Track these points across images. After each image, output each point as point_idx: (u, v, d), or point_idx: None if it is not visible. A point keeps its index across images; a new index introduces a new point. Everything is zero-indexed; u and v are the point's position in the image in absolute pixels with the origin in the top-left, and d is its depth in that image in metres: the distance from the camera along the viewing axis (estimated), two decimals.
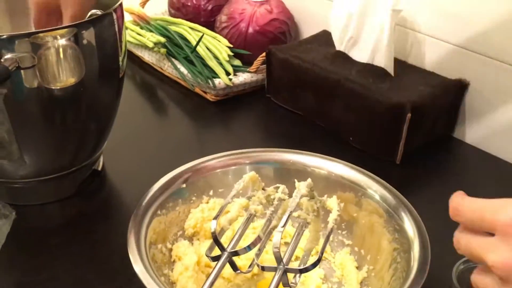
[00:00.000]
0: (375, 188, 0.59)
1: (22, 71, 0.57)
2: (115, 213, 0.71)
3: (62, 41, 0.59)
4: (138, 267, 0.50)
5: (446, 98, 0.81)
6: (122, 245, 0.63)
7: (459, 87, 0.82)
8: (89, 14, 0.65)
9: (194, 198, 0.63)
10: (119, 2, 0.65)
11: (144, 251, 0.52)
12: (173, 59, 1.00)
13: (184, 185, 0.62)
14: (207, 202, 0.63)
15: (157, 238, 0.57)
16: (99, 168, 0.76)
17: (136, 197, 0.71)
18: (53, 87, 0.61)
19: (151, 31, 1.06)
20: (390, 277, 0.53)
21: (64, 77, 0.61)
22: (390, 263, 0.55)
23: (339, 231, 0.62)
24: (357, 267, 0.59)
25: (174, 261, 0.58)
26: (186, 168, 0.63)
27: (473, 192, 0.72)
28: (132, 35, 1.07)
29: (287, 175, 0.63)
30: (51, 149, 0.67)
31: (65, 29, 0.59)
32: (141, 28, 1.09)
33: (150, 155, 0.82)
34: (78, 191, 0.73)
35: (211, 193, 0.64)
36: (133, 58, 1.10)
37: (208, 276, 0.49)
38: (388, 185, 0.59)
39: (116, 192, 0.75)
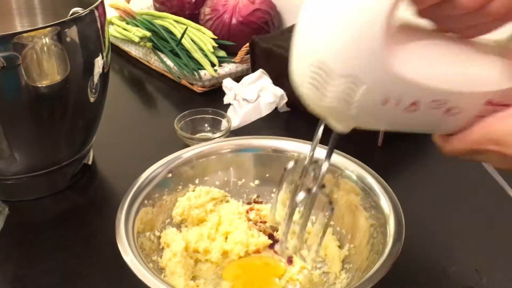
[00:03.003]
0: (352, 169, 0.61)
1: (7, 70, 0.58)
2: (106, 205, 0.73)
3: (46, 40, 0.60)
4: (127, 257, 0.52)
5: None
6: (113, 236, 0.64)
7: None
8: (71, 12, 0.66)
9: (180, 187, 0.64)
10: (99, 0, 0.66)
11: (133, 240, 0.54)
12: (159, 53, 1.02)
13: (170, 175, 0.63)
14: (193, 191, 0.65)
15: (144, 227, 0.59)
16: (89, 162, 0.77)
17: (127, 189, 0.72)
18: (39, 85, 0.62)
19: (137, 25, 1.07)
20: (368, 252, 0.55)
21: (50, 75, 0.62)
22: (368, 239, 0.57)
23: (322, 212, 0.64)
24: (339, 246, 0.61)
25: (162, 248, 0.60)
26: (171, 158, 0.64)
27: (454, 172, 0.75)
28: (118, 30, 1.09)
29: (268, 160, 0.66)
30: (40, 146, 0.68)
31: (48, 28, 0.60)
32: (127, 23, 1.10)
33: (140, 148, 0.83)
34: (70, 185, 0.74)
35: (196, 181, 0.66)
36: (120, 52, 1.11)
37: None
38: (364, 165, 0.61)
39: (106, 185, 0.76)
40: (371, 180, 0.59)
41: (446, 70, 0.39)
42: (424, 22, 0.41)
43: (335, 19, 0.37)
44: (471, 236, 0.62)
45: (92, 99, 0.70)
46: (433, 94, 0.38)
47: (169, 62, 0.99)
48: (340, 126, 0.44)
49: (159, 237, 0.61)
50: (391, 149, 0.80)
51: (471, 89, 0.39)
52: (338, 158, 0.62)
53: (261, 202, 0.67)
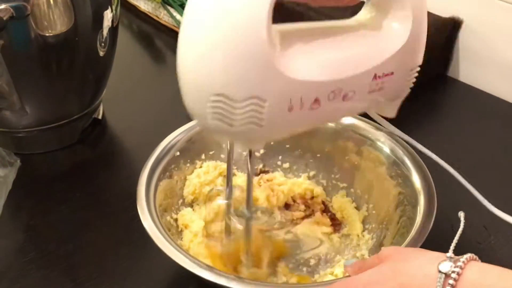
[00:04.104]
0: (382, 140, 0.59)
1: (16, 21, 0.58)
2: (116, 160, 0.73)
3: None
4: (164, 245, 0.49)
5: (439, 36, 0.81)
6: (122, 189, 0.67)
7: (453, 25, 0.82)
8: None
9: (188, 165, 0.62)
10: None
11: (159, 223, 0.52)
12: (168, 7, 1.00)
13: (178, 153, 0.61)
14: (201, 167, 0.63)
15: (163, 209, 0.57)
16: (99, 117, 0.78)
17: (136, 144, 0.75)
18: (48, 37, 0.61)
19: None
20: (399, 217, 0.54)
21: (58, 26, 0.62)
22: (396, 204, 0.56)
23: (332, 175, 0.63)
24: (356, 208, 0.60)
25: (181, 230, 0.59)
26: (177, 135, 0.62)
27: (467, 128, 0.74)
28: None
29: None
30: (50, 99, 0.69)
31: None
32: None
33: (149, 103, 0.83)
34: (80, 139, 0.74)
35: (203, 157, 0.64)
36: (129, 7, 1.10)
37: None
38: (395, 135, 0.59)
39: (116, 140, 0.77)
40: (402, 153, 0.58)
41: (332, 60, 0.40)
42: (290, 25, 0.42)
43: (218, 47, 0.36)
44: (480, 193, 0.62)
45: (101, 53, 0.69)
46: (329, 86, 0.40)
47: (178, 17, 0.98)
48: (254, 146, 0.45)
49: (176, 220, 0.59)
50: (404, 106, 0.79)
51: (358, 71, 0.41)
52: (369, 129, 0.61)
53: (267, 171, 0.66)
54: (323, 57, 0.40)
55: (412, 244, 0.48)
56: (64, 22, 0.62)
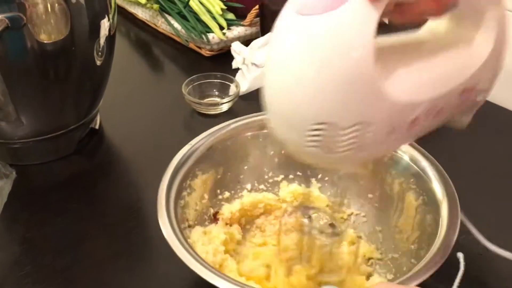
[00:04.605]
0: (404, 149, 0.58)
1: (12, 31, 0.58)
2: (113, 170, 0.73)
3: (50, 1, 0.59)
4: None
5: None
6: (120, 199, 0.67)
7: None
8: None
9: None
10: None
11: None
12: (166, 15, 1.00)
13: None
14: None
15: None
16: (96, 126, 0.77)
17: (134, 154, 0.75)
18: (44, 47, 0.61)
19: None
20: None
21: (55, 36, 0.61)
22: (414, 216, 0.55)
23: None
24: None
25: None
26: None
27: (472, 138, 0.73)
28: None
29: None
30: (47, 109, 0.68)
31: None
32: None
33: (147, 112, 0.83)
34: (77, 149, 0.74)
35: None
36: (126, 15, 1.10)
37: None
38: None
39: (114, 149, 0.76)
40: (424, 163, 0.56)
41: (429, 79, 0.40)
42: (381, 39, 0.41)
43: (323, 72, 0.35)
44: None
45: (98, 62, 0.69)
46: (427, 105, 0.40)
47: (176, 25, 0.98)
48: (347, 168, 0.46)
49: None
50: None
51: (450, 87, 0.41)
52: None
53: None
54: (422, 77, 0.40)
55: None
56: (60, 31, 0.62)
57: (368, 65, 0.35)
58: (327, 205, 0.63)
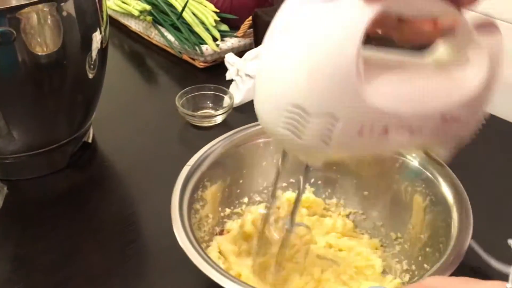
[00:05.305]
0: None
1: (2, 46, 0.58)
2: (106, 184, 0.73)
3: (41, 15, 0.59)
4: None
5: None
6: (114, 214, 0.66)
7: None
8: None
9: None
10: None
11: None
12: (159, 27, 1.01)
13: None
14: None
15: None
16: (89, 140, 0.77)
17: (127, 168, 0.75)
18: (35, 61, 0.61)
19: None
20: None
21: (46, 50, 0.61)
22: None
23: None
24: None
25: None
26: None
27: (472, 149, 0.73)
28: (118, 3, 1.07)
29: None
30: (39, 124, 0.68)
31: (44, 3, 0.59)
32: None
33: (140, 125, 0.83)
34: (70, 163, 0.74)
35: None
36: (119, 27, 1.11)
37: None
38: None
39: (107, 163, 0.76)
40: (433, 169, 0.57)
41: (408, 95, 0.42)
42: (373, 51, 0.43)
43: (307, 57, 0.38)
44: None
45: (90, 75, 0.69)
46: (400, 119, 0.41)
47: (169, 37, 0.98)
48: (314, 162, 0.46)
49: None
50: None
51: (427, 109, 0.42)
52: None
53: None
54: (402, 91, 0.42)
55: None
56: (52, 47, 0.62)
57: (350, 61, 0.37)
58: (324, 208, 0.65)
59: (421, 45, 0.44)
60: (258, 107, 0.42)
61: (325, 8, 0.37)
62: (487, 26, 0.43)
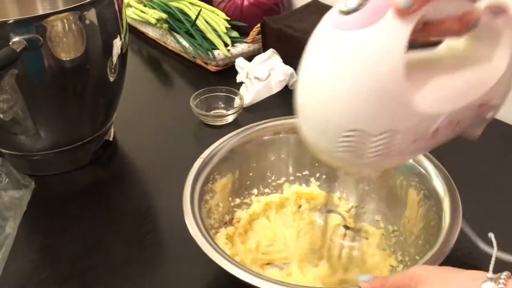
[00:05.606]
0: None
1: (30, 52, 0.60)
2: (126, 179, 0.75)
3: (66, 23, 0.62)
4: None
5: None
6: (133, 208, 0.68)
7: None
8: None
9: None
10: None
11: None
12: (175, 34, 1.04)
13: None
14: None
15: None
16: (111, 139, 0.79)
17: (145, 164, 0.77)
18: (60, 66, 0.64)
19: (153, 8, 1.09)
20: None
21: (70, 55, 0.64)
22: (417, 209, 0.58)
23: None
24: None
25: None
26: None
27: (473, 151, 0.73)
28: (136, 12, 1.11)
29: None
30: (63, 123, 0.71)
31: (68, 12, 0.62)
32: (144, 5, 1.12)
33: (158, 124, 0.86)
34: (92, 160, 0.76)
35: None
36: (138, 34, 1.14)
37: None
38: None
39: (127, 160, 0.78)
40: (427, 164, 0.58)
41: (452, 92, 0.42)
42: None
43: (360, 85, 0.37)
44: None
45: (111, 79, 0.72)
46: (448, 117, 0.41)
47: (184, 43, 1.01)
48: (369, 174, 0.48)
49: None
50: None
51: (468, 101, 0.43)
52: None
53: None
54: (445, 90, 0.42)
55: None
56: (75, 53, 0.64)
57: (399, 78, 0.37)
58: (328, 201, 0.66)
59: (427, 43, 0.44)
60: (311, 139, 0.41)
61: (365, 34, 0.36)
62: (500, 7, 0.43)
